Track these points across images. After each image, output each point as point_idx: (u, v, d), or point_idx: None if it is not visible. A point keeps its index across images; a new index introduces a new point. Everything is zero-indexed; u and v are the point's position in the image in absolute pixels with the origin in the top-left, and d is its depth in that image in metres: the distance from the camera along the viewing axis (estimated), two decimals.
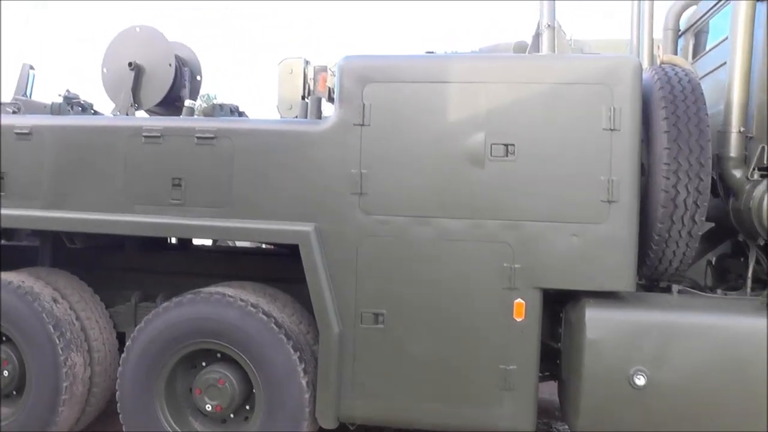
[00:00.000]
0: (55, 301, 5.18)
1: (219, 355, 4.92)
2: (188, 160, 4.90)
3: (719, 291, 4.83)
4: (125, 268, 5.92)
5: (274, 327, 4.73)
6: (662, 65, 4.84)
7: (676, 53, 6.16)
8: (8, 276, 5.22)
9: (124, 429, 4.99)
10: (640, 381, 4.31)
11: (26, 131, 5.16)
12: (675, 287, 4.71)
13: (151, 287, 5.76)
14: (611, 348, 4.36)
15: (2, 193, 5.18)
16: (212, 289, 5.03)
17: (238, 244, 7.22)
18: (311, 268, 4.68)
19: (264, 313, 4.78)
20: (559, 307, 4.79)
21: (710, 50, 5.68)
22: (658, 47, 5.75)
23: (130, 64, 6.06)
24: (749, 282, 4.79)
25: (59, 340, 5.00)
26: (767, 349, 4.21)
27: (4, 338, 5.18)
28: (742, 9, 4.77)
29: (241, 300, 4.80)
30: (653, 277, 4.94)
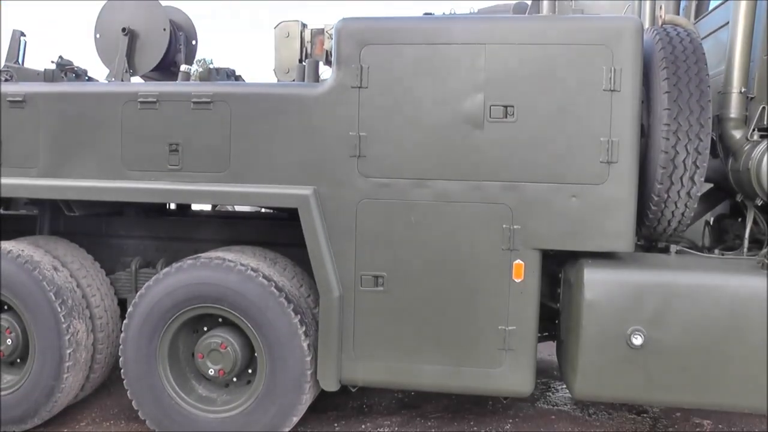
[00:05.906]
0: (55, 269, 5.17)
1: (220, 319, 4.95)
2: (185, 125, 4.87)
3: (716, 251, 4.85)
4: (124, 234, 5.92)
5: (275, 291, 4.75)
6: (663, 26, 4.79)
7: (678, 14, 6.08)
8: (7, 245, 5.20)
9: (128, 394, 5.03)
10: (638, 341, 4.35)
11: (20, 99, 5.12)
12: (673, 248, 4.73)
13: (150, 253, 5.78)
14: (609, 308, 4.38)
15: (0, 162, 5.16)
16: (212, 254, 5.04)
17: (238, 208, 7.22)
18: (310, 232, 4.68)
19: (264, 277, 4.79)
20: (558, 267, 4.81)
21: (713, 10, 5.62)
22: (660, 8, 5.67)
23: (123, 30, 5.99)
24: (746, 242, 4.81)
25: (61, 308, 5.00)
26: (765, 309, 4.25)
27: (5, 307, 5.20)
28: None
29: (242, 264, 4.81)
30: (652, 238, 4.96)
